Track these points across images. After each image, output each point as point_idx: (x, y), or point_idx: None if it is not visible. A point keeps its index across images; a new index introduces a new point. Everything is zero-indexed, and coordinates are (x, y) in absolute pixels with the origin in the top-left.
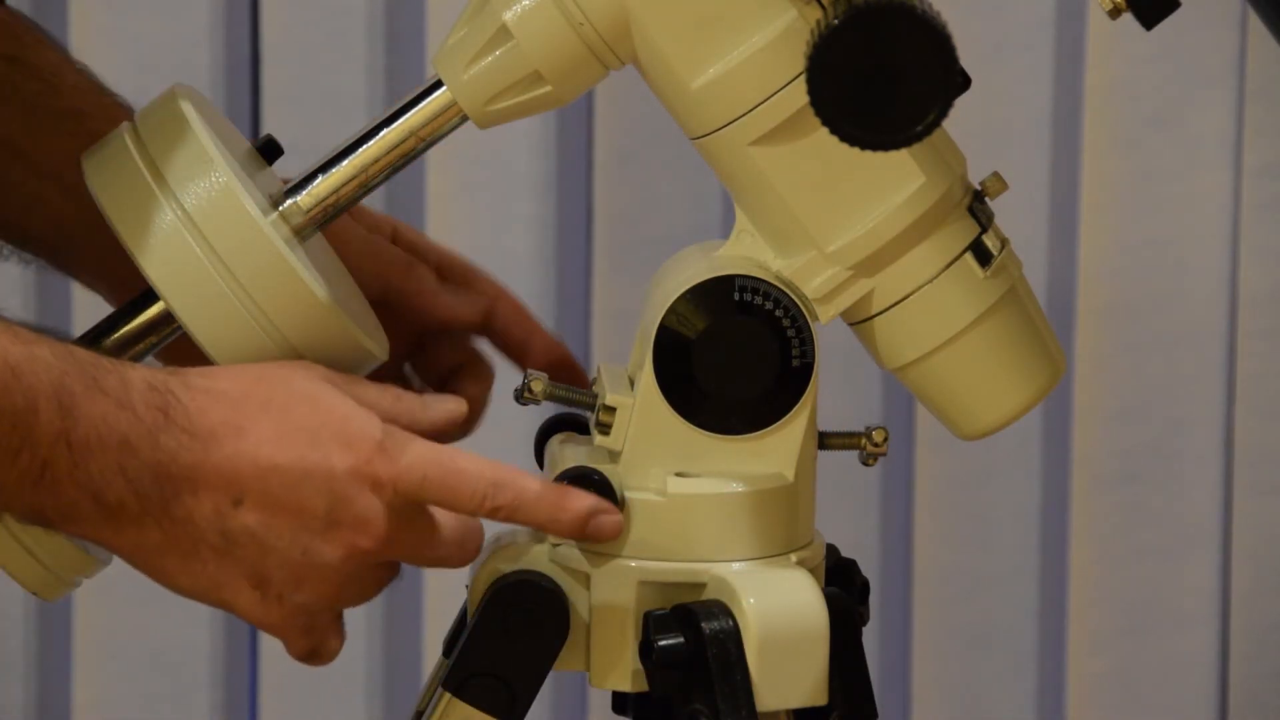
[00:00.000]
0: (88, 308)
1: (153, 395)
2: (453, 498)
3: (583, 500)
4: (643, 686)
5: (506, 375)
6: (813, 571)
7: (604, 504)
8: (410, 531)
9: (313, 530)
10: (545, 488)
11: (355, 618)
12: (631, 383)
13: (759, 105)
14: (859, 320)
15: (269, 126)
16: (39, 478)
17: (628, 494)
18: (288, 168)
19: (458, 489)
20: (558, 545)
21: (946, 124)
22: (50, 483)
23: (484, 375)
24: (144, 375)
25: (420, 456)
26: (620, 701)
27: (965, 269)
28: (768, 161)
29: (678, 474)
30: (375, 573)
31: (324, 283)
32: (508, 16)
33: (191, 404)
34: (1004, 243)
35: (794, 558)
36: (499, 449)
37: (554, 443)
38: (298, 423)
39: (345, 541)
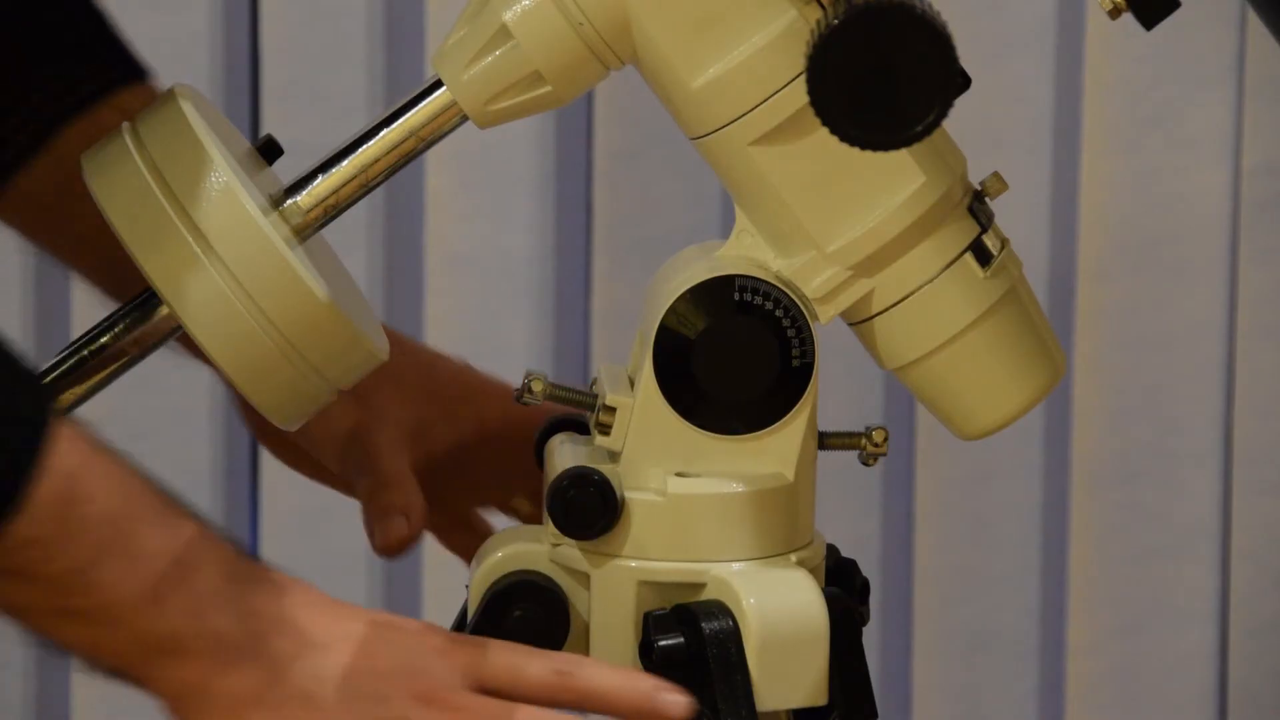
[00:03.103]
0: (87, 308)
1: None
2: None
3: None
4: None
5: (508, 375)
6: (813, 571)
7: (666, 686)
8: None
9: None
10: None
11: None
12: (631, 383)
13: (759, 105)
14: (859, 320)
15: (269, 126)
16: (151, 595)
17: (628, 494)
18: (288, 168)
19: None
20: (558, 545)
21: (946, 124)
22: (159, 602)
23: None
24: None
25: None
26: None
27: (965, 269)
28: (768, 161)
29: (678, 474)
30: None
31: (324, 283)
32: (508, 16)
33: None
34: (1004, 243)
35: (794, 558)
36: None
37: (554, 443)
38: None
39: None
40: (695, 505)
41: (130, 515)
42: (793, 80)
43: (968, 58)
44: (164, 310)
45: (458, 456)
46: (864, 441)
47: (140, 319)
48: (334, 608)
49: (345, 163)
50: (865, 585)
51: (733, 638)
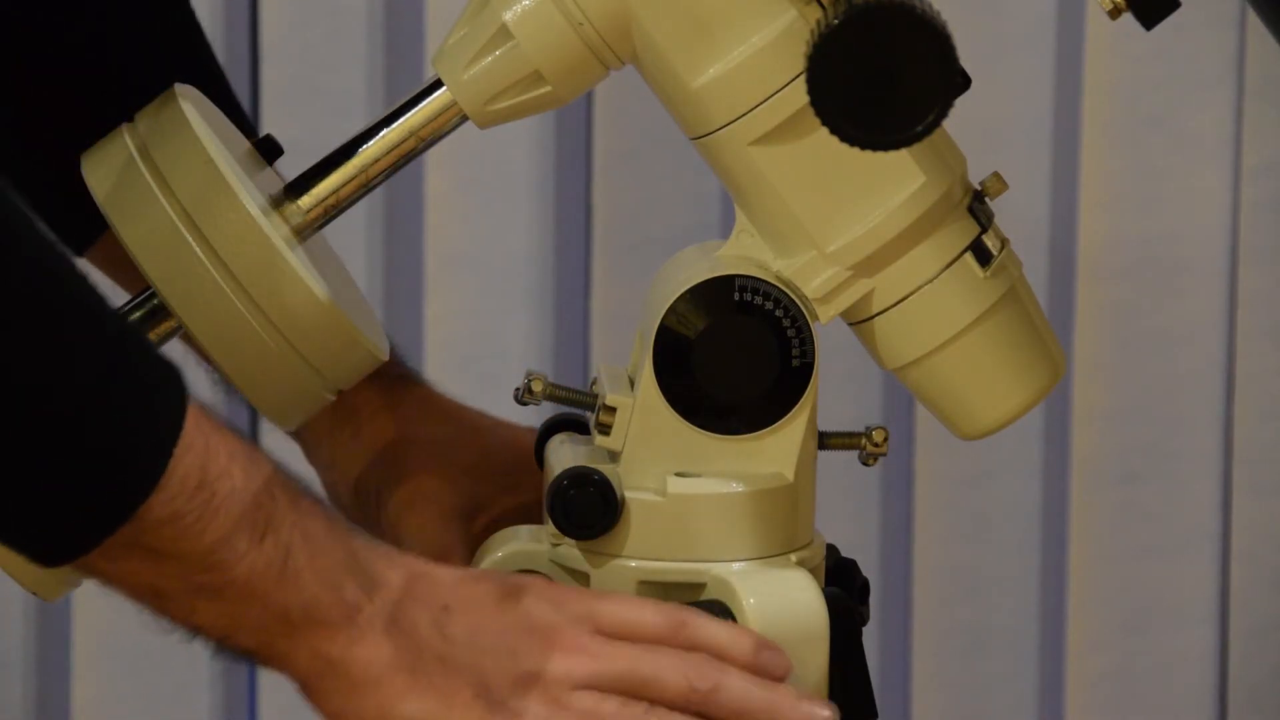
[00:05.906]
0: None
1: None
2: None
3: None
4: None
5: (508, 375)
6: (813, 571)
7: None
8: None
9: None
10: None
11: None
12: (631, 383)
13: (759, 105)
14: (859, 320)
15: (269, 126)
16: (283, 567)
17: (628, 494)
18: (288, 168)
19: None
20: (558, 545)
21: (946, 124)
22: (293, 574)
23: None
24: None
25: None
26: None
27: (965, 269)
28: (768, 161)
29: (678, 474)
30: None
31: (324, 283)
32: (508, 16)
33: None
34: (1004, 243)
35: (794, 558)
36: None
37: (554, 443)
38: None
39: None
40: (695, 505)
41: (257, 491)
42: (793, 80)
43: (968, 58)
44: (163, 308)
45: (521, 521)
46: (864, 441)
47: (140, 318)
48: (445, 570)
49: (345, 163)
50: (865, 585)
51: None
